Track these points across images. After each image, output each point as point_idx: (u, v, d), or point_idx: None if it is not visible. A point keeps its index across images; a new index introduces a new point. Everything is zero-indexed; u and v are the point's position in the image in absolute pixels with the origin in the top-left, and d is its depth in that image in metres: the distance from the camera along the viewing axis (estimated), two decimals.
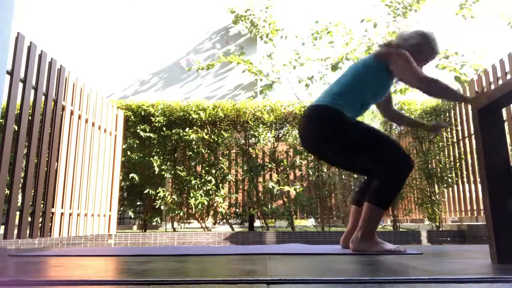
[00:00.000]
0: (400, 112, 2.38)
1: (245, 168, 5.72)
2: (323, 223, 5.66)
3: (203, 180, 5.51)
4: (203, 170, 5.61)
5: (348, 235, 2.08)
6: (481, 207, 4.81)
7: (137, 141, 5.64)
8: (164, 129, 5.66)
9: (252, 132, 5.68)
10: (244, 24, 9.19)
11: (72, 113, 3.71)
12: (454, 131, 5.59)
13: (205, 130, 5.71)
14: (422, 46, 2.13)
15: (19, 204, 2.98)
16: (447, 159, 5.59)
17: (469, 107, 5.21)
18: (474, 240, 4.75)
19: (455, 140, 5.57)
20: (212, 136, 5.69)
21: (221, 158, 5.72)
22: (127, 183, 5.58)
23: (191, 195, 5.41)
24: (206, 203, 5.42)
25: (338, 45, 8.69)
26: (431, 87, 1.92)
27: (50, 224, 3.35)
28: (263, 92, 8.87)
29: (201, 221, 5.60)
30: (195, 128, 5.68)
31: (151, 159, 5.52)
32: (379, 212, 1.88)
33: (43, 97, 3.29)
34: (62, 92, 3.54)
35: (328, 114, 1.97)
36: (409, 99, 6.01)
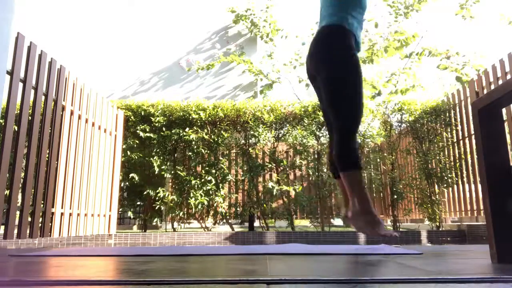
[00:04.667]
0: None
1: (245, 168, 5.72)
2: (323, 223, 5.66)
3: (203, 180, 5.51)
4: (203, 170, 5.61)
5: (347, 208, 2.05)
6: (481, 207, 4.81)
7: (137, 141, 5.64)
8: (164, 129, 5.66)
9: (252, 132, 5.68)
10: (245, 23, 9.19)
11: (72, 113, 3.71)
12: (454, 131, 5.59)
13: (205, 130, 5.71)
14: None
15: (19, 204, 2.98)
16: (447, 159, 5.59)
17: (469, 107, 5.21)
18: (474, 240, 4.75)
19: (455, 140, 5.56)
20: (212, 136, 5.69)
21: (221, 158, 5.73)
22: (127, 183, 5.58)
23: (191, 195, 5.41)
24: (206, 203, 5.42)
25: None
26: None
27: (50, 224, 3.35)
28: (263, 92, 8.87)
29: (201, 221, 5.60)
30: (195, 128, 5.68)
31: (151, 159, 5.52)
32: (353, 173, 1.84)
33: (43, 97, 3.29)
34: (62, 92, 3.54)
35: (342, 36, 1.93)
36: (409, 99, 6.01)
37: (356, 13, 1.99)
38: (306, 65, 2.10)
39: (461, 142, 5.41)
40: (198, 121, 5.72)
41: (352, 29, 1.95)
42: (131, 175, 5.49)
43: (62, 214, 3.50)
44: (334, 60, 1.93)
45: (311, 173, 5.82)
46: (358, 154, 1.88)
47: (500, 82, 4.42)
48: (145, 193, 5.47)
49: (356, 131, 1.89)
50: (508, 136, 4.26)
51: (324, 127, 5.74)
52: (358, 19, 2.00)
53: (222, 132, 5.71)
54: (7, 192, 2.90)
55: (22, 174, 3.05)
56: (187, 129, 5.62)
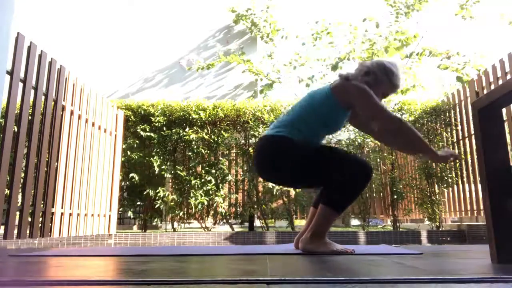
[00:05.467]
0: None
1: (245, 168, 5.72)
2: None
3: (203, 180, 5.51)
4: (203, 170, 5.60)
5: (300, 236, 2.05)
6: (481, 207, 4.81)
7: (137, 141, 5.64)
8: (164, 129, 5.65)
9: (252, 132, 5.68)
10: (245, 23, 9.19)
11: (72, 113, 3.71)
12: (454, 131, 5.59)
13: (205, 130, 5.71)
14: (381, 80, 2.01)
15: (19, 204, 2.98)
16: None
17: (469, 107, 5.21)
18: (474, 240, 4.74)
19: (455, 140, 5.56)
20: (212, 136, 5.68)
21: (221, 158, 5.72)
22: (127, 183, 5.58)
23: (191, 195, 5.40)
24: (206, 203, 5.42)
25: (341, 45, 8.69)
26: (401, 125, 1.87)
27: (50, 224, 3.35)
28: (263, 92, 8.87)
29: (201, 221, 5.60)
30: (195, 128, 5.68)
31: (151, 159, 5.52)
32: (332, 214, 1.87)
33: (43, 97, 3.29)
34: (62, 92, 3.54)
35: (278, 144, 1.92)
36: (409, 99, 6.01)
37: (312, 129, 1.96)
38: (256, 170, 2.07)
39: (461, 142, 5.41)
40: (198, 121, 5.71)
41: (298, 138, 1.92)
42: (131, 175, 5.49)
43: (62, 214, 3.50)
44: (288, 159, 1.90)
45: None
46: (347, 207, 1.92)
47: (500, 82, 4.42)
48: (145, 193, 5.47)
49: (359, 189, 1.87)
50: (508, 136, 4.26)
51: None
52: (314, 133, 1.97)
53: (222, 132, 5.71)
54: (7, 192, 2.90)
55: (22, 174, 3.05)
56: (187, 129, 5.62)
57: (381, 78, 2.01)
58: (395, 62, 2.10)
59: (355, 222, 5.95)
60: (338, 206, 1.87)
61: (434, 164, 5.63)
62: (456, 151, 5.51)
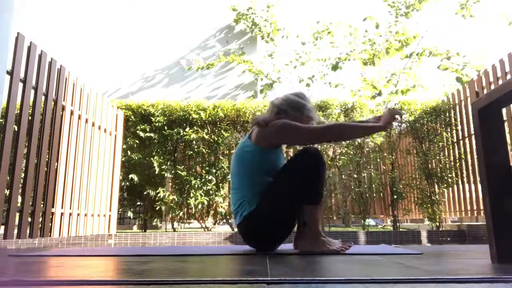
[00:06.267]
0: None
1: None
2: (323, 223, 5.66)
3: (203, 180, 5.51)
4: (203, 170, 5.60)
5: (297, 236, 2.07)
6: (481, 207, 4.80)
7: (137, 141, 5.64)
8: (165, 128, 5.65)
9: None
10: (246, 23, 9.20)
11: (72, 113, 3.71)
12: (454, 131, 5.59)
13: (205, 130, 5.71)
14: (294, 116, 2.01)
15: (19, 204, 2.98)
16: (447, 159, 5.59)
17: (469, 107, 5.21)
18: (474, 240, 4.74)
19: (455, 140, 5.56)
20: (212, 136, 5.69)
21: (221, 158, 5.72)
22: (127, 183, 5.57)
23: (191, 195, 5.40)
24: (206, 203, 5.42)
25: (342, 45, 8.68)
26: (333, 132, 1.91)
27: (50, 224, 3.35)
28: (263, 91, 8.87)
29: (201, 221, 5.60)
30: (195, 128, 5.68)
31: (151, 159, 5.52)
32: (314, 208, 1.90)
33: (43, 97, 3.29)
34: (62, 92, 3.54)
35: (247, 226, 1.96)
36: (409, 99, 6.00)
37: (258, 184, 1.94)
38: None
39: (461, 142, 5.41)
40: (198, 121, 5.71)
41: (254, 202, 1.92)
42: (131, 175, 5.49)
43: (62, 214, 3.50)
44: (264, 227, 1.94)
45: None
46: (322, 193, 1.96)
47: (500, 82, 4.42)
48: (145, 193, 5.47)
49: (320, 172, 1.90)
50: (508, 136, 4.26)
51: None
52: (261, 185, 1.94)
53: (222, 132, 5.71)
54: (7, 192, 2.90)
55: (22, 174, 3.05)
56: (187, 129, 5.62)
57: (293, 114, 2.02)
58: (302, 93, 2.12)
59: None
60: (314, 198, 1.90)
61: (434, 164, 5.63)
62: (456, 151, 5.51)
